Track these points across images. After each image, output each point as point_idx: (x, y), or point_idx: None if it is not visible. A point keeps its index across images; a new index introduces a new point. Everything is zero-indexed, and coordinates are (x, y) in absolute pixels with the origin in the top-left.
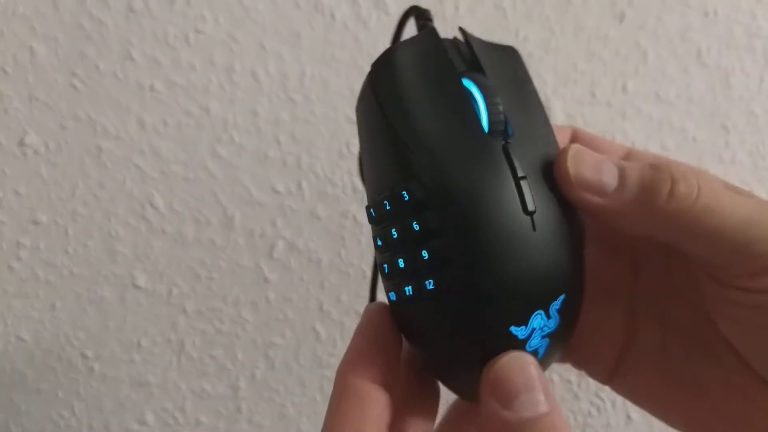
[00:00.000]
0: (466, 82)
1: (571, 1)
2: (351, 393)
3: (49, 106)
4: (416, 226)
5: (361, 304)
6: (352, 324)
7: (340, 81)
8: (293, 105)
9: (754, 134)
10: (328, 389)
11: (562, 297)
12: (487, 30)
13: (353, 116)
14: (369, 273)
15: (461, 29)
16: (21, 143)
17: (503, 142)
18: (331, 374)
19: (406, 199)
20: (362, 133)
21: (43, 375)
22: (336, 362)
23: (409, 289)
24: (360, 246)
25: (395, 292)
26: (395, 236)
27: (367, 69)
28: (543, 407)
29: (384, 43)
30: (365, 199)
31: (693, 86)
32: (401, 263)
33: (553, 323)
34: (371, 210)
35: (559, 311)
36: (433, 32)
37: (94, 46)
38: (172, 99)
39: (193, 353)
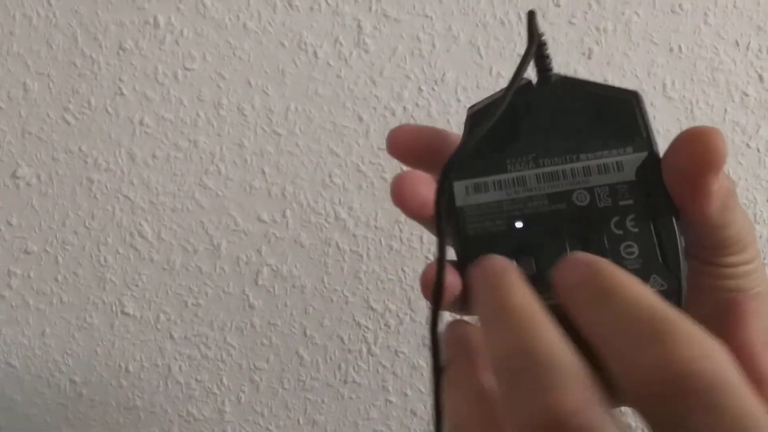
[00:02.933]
0: None
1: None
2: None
3: (42, 139)
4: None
5: (344, 328)
6: (335, 348)
7: (323, 115)
8: (278, 138)
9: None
10: (312, 412)
11: None
12: (462, 67)
13: (336, 148)
14: (351, 299)
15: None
16: (14, 175)
17: None
18: (314, 397)
19: None
20: None
21: (32, 401)
22: (319, 386)
23: None
24: (343, 272)
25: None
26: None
27: (350, 104)
28: None
29: (365, 80)
30: (347, 227)
31: (659, 119)
32: None
33: None
34: None
35: None
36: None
37: (86, 82)
38: (161, 133)
39: (179, 378)
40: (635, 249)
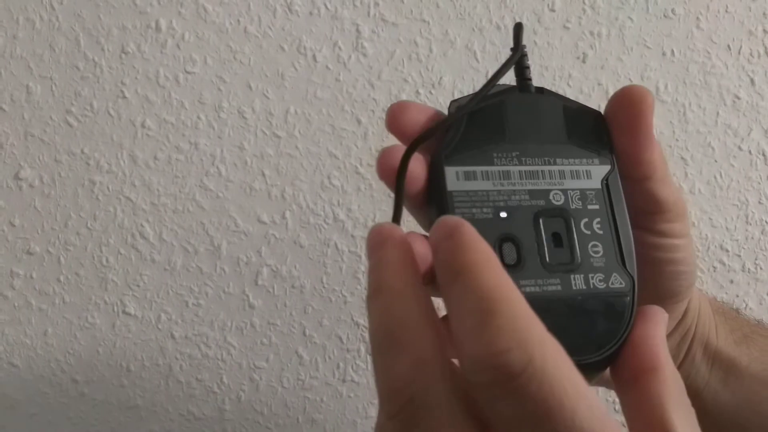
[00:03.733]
0: None
1: (537, 43)
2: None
3: (44, 141)
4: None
5: (343, 328)
6: (334, 347)
7: (322, 118)
8: (278, 140)
9: (711, 165)
10: (311, 410)
11: None
12: (459, 70)
13: (335, 150)
14: (350, 299)
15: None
16: (16, 177)
17: None
18: (313, 396)
19: None
20: None
21: (35, 400)
22: (318, 384)
23: None
24: (341, 272)
25: None
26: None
27: (348, 107)
28: None
29: (363, 84)
30: (346, 228)
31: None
32: None
33: None
34: None
35: None
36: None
37: (89, 85)
38: (163, 135)
39: (180, 377)
40: (600, 249)
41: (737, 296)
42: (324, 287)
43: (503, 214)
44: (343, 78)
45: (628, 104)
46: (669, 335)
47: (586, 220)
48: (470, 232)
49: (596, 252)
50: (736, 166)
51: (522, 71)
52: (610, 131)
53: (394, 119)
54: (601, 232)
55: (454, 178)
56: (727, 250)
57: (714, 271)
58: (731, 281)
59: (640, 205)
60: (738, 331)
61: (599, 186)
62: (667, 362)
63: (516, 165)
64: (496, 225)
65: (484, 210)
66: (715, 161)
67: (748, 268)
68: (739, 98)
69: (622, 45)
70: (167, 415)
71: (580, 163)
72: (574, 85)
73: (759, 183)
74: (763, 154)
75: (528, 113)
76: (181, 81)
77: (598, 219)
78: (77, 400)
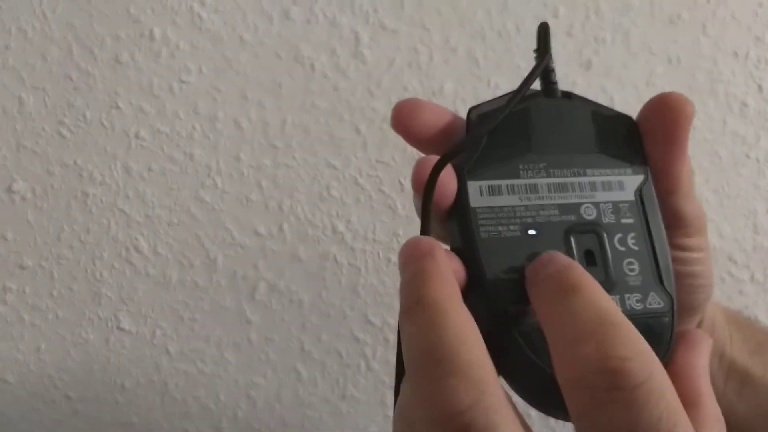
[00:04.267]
0: None
1: None
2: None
3: (37, 153)
4: None
5: (342, 343)
6: (333, 363)
7: (320, 128)
8: (275, 151)
9: (718, 174)
10: (310, 428)
11: None
12: (460, 78)
13: (333, 161)
14: (349, 313)
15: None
16: (9, 190)
17: None
18: (312, 413)
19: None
20: None
21: (27, 417)
22: (317, 401)
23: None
24: (340, 286)
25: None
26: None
27: (347, 117)
28: None
29: (362, 92)
30: (345, 240)
31: None
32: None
33: None
34: None
35: None
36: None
37: (82, 96)
38: (157, 146)
39: (176, 394)
40: (636, 266)
41: (746, 307)
42: (323, 301)
43: (532, 232)
44: (341, 86)
45: (666, 112)
46: None
47: (620, 235)
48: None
49: (632, 270)
50: (744, 175)
51: (547, 74)
52: (642, 139)
53: (404, 118)
54: (636, 248)
55: (477, 193)
56: (736, 261)
57: (722, 282)
58: (740, 292)
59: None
60: (752, 340)
61: (633, 198)
62: (709, 397)
63: (544, 177)
64: (525, 243)
65: (511, 228)
66: (723, 170)
67: (757, 279)
68: (746, 105)
69: (627, 52)
70: None
71: (612, 174)
72: (579, 92)
73: (767, 192)
74: None
75: (555, 120)
76: (175, 91)
77: (633, 234)
78: (71, 417)
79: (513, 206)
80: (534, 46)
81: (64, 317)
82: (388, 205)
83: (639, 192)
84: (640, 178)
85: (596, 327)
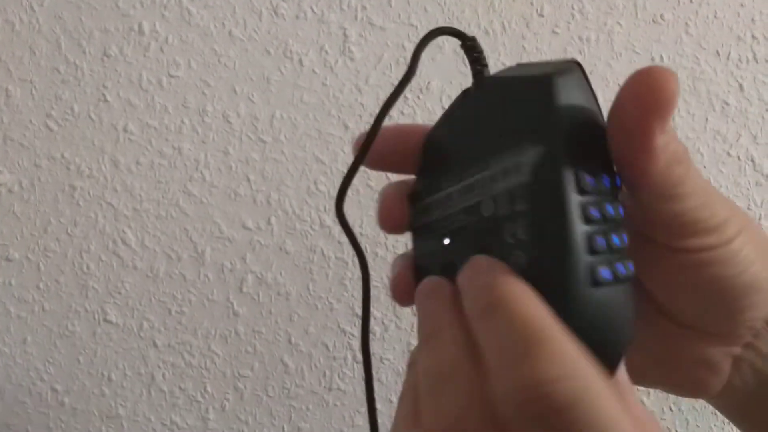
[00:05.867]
0: None
1: (525, 48)
2: None
3: (24, 146)
4: (611, 211)
5: (329, 335)
6: (320, 355)
7: (309, 123)
8: (263, 145)
9: (700, 171)
10: (297, 420)
11: None
12: (447, 75)
13: (321, 156)
14: (336, 306)
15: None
16: None
17: None
18: (299, 405)
19: (617, 184)
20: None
21: (13, 410)
22: (304, 393)
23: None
24: (328, 279)
25: (611, 270)
26: (612, 214)
27: (335, 112)
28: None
29: (350, 88)
30: (332, 234)
31: None
32: (617, 241)
33: None
34: (590, 179)
35: None
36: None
37: (70, 88)
38: (145, 140)
39: (163, 386)
40: (522, 258)
41: None
42: (310, 294)
43: (446, 241)
44: (329, 82)
45: (635, 95)
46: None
47: (510, 226)
48: (503, 267)
49: (517, 264)
50: (725, 172)
51: (475, 60)
52: (559, 91)
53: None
54: (525, 237)
55: (414, 215)
56: None
57: None
58: None
59: (651, 217)
60: None
61: (528, 177)
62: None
63: (457, 183)
64: (441, 254)
65: (432, 242)
66: (704, 167)
67: None
68: (728, 104)
69: (611, 50)
70: (149, 424)
71: (509, 156)
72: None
73: (748, 189)
74: (752, 161)
75: (473, 115)
76: (164, 85)
77: (524, 222)
78: (57, 409)
79: (436, 219)
80: (518, 42)
81: (50, 309)
82: (375, 199)
83: (537, 167)
84: (539, 149)
85: (523, 348)
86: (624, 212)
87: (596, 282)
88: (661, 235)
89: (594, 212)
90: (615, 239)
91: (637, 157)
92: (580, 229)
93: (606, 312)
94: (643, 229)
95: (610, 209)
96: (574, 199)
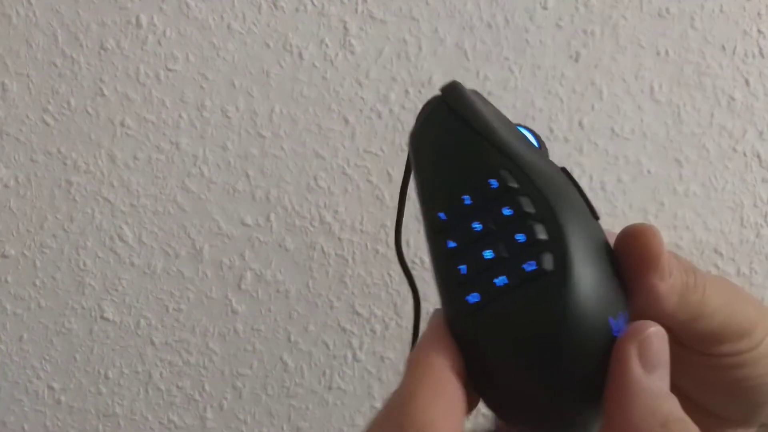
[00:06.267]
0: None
1: (529, 42)
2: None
3: (20, 140)
4: (507, 212)
5: (329, 333)
6: (320, 354)
7: (308, 117)
8: (262, 140)
9: (706, 167)
10: (296, 419)
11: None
12: (449, 69)
13: (321, 151)
14: (336, 303)
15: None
16: None
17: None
18: (298, 404)
19: (494, 186)
20: (428, 152)
21: (10, 408)
22: (303, 392)
23: (502, 279)
24: (327, 277)
25: (480, 291)
26: (480, 228)
27: (335, 107)
28: (668, 386)
29: (351, 82)
30: (332, 231)
31: (646, 122)
32: (489, 254)
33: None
34: (441, 213)
35: None
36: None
37: (66, 82)
38: (143, 134)
39: (160, 384)
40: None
41: None
42: (310, 292)
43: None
44: (330, 76)
45: (629, 253)
46: None
47: None
48: (430, 330)
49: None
50: (731, 168)
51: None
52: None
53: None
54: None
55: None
56: (722, 254)
57: None
58: None
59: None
60: None
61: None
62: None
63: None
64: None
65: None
66: (710, 163)
67: (743, 272)
68: (734, 99)
69: (615, 44)
70: (146, 423)
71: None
72: (567, 84)
73: (754, 185)
74: (758, 156)
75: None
76: (162, 78)
77: None
78: (53, 407)
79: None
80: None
81: (47, 306)
82: (375, 195)
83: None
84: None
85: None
86: (514, 212)
87: (469, 311)
88: (691, 343)
89: (450, 244)
90: (486, 253)
91: (649, 304)
92: (442, 265)
93: (498, 329)
94: (671, 335)
95: (474, 226)
96: (433, 240)
